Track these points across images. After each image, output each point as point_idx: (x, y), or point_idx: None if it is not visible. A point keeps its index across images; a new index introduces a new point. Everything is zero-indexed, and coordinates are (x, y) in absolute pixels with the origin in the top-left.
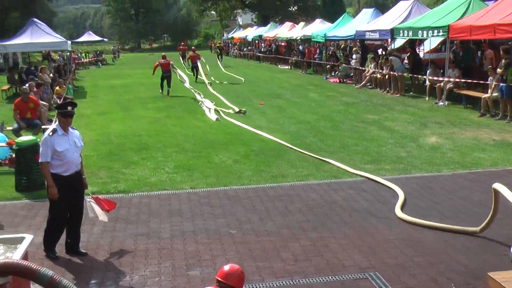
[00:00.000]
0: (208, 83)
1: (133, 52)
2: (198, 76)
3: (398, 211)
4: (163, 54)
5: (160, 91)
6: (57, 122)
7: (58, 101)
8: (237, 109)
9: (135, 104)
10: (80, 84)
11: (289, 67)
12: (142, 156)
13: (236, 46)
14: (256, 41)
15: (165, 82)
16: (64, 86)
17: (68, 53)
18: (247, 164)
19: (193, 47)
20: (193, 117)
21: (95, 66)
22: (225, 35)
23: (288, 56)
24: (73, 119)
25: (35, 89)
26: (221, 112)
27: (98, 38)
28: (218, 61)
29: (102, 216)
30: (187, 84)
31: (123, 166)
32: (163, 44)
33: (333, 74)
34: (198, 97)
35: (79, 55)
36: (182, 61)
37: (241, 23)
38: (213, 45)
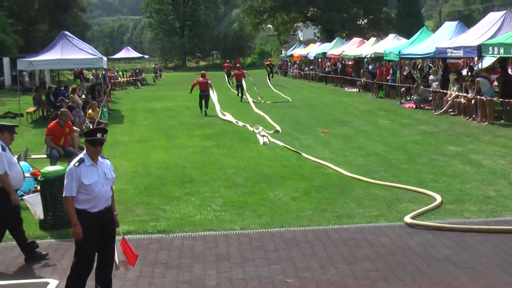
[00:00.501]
0: (254, 101)
1: (177, 71)
2: (243, 96)
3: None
4: (202, 72)
5: (200, 111)
6: (85, 151)
7: (91, 126)
8: (278, 128)
9: (178, 131)
10: (116, 107)
11: (357, 90)
12: (186, 191)
13: (295, 65)
14: (319, 60)
15: (203, 102)
16: (98, 109)
17: (103, 71)
18: (307, 202)
19: (238, 65)
20: (246, 147)
21: (133, 86)
22: (283, 52)
23: (356, 77)
24: (107, 147)
25: None
26: (276, 141)
27: (137, 54)
28: (268, 80)
29: (121, 264)
30: (216, 107)
31: (164, 202)
32: (212, 62)
33: (408, 99)
34: (230, 118)
35: (116, 73)
36: (227, 80)
37: (302, 38)
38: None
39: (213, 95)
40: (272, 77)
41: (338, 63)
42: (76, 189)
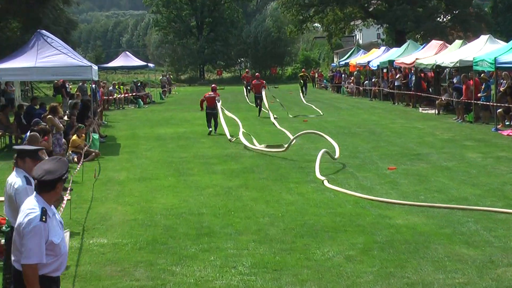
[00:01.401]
0: (274, 117)
1: (193, 85)
2: (262, 109)
3: None
4: (213, 85)
5: (208, 128)
6: (35, 194)
7: (75, 159)
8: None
9: (194, 166)
10: (109, 133)
11: (436, 111)
12: (203, 247)
13: (352, 78)
14: (385, 70)
15: (212, 121)
16: (84, 135)
17: (93, 85)
18: (366, 264)
19: (257, 74)
20: (284, 186)
21: (134, 105)
22: (335, 60)
23: (435, 94)
24: (97, 187)
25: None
26: (326, 182)
27: (139, 62)
28: (301, 95)
29: None
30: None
31: (173, 262)
32: (238, 72)
33: (507, 123)
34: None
35: (111, 88)
36: (245, 93)
37: (361, 41)
38: (312, 74)
39: (220, 114)
40: (306, 91)
41: (410, 75)
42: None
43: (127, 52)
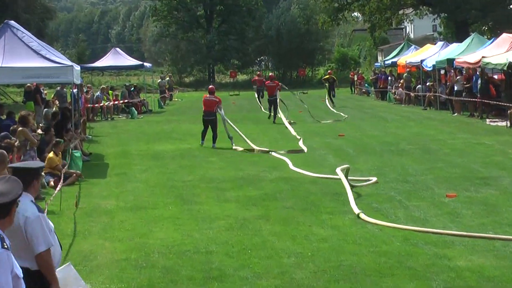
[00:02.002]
0: (289, 122)
1: (200, 89)
2: (276, 115)
3: None
4: (210, 86)
5: (201, 142)
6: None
7: (52, 182)
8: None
9: (200, 191)
10: (96, 150)
11: (508, 123)
12: None
13: (400, 81)
14: (442, 72)
15: (208, 130)
16: (60, 153)
17: (74, 90)
18: None
19: (271, 74)
20: (314, 218)
21: (125, 115)
22: (379, 59)
23: (507, 101)
24: (79, 217)
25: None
26: (362, 214)
27: (132, 61)
28: (327, 101)
29: None
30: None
31: None
32: (259, 73)
33: None
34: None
35: (98, 94)
36: (257, 99)
37: (412, 35)
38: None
39: (223, 123)
40: (334, 95)
41: (475, 78)
42: None
43: (118, 49)
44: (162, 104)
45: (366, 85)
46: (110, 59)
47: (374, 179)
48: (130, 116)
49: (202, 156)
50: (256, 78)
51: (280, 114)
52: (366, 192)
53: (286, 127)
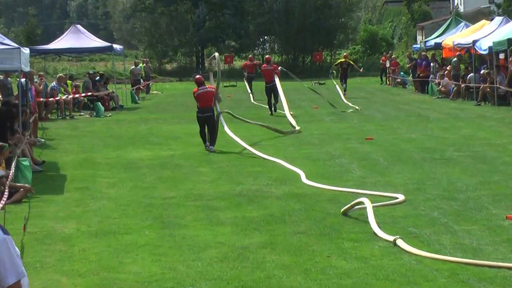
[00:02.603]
0: (292, 114)
1: (186, 79)
2: (276, 104)
3: None
4: (196, 76)
5: (205, 145)
6: None
7: None
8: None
9: (186, 212)
10: (50, 158)
11: None
12: None
13: (447, 68)
14: (501, 56)
15: (206, 129)
16: (3, 161)
17: (22, 79)
18: None
19: (267, 56)
20: (334, 246)
21: (89, 112)
22: (419, 39)
23: None
24: (29, 244)
25: None
26: (400, 241)
27: (98, 42)
28: (339, 89)
29: None
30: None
31: None
32: (260, 59)
33: None
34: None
35: (53, 85)
36: (248, 87)
37: (461, 9)
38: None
39: (222, 119)
40: (346, 83)
41: None
42: None
43: (79, 26)
44: (137, 98)
45: (401, 73)
46: (69, 40)
47: (401, 197)
48: (95, 114)
49: (189, 165)
50: (248, 63)
51: (284, 103)
52: (401, 213)
53: (288, 120)
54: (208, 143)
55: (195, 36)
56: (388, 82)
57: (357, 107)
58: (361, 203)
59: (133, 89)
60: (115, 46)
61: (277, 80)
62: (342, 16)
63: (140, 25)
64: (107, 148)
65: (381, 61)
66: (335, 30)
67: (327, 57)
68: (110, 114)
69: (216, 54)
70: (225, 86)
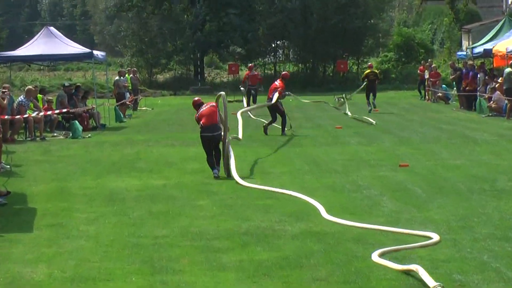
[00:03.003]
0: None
1: (182, 93)
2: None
3: None
4: (195, 99)
5: (213, 170)
6: None
7: None
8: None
9: (181, 253)
10: (16, 187)
11: None
12: None
13: (498, 80)
14: None
15: (213, 153)
16: None
17: None
18: None
19: (250, 64)
20: None
21: (64, 133)
22: (464, 45)
23: None
24: None
25: None
26: None
27: (76, 48)
28: (368, 102)
29: None
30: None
31: None
32: (272, 68)
33: None
34: None
35: (21, 99)
36: (244, 100)
37: None
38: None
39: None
40: (374, 99)
41: None
42: None
43: (52, 29)
44: (122, 115)
45: (443, 86)
46: (40, 45)
47: (435, 237)
48: (71, 135)
49: (185, 197)
50: (248, 73)
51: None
52: (443, 256)
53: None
54: (216, 170)
55: (193, 40)
56: (427, 97)
57: (372, 121)
58: (411, 270)
59: (117, 105)
60: (95, 52)
61: (275, 98)
62: (371, 16)
63: (126, 27)
64: (85, 176)
65: (418, 71)
66: (363, 34)
67: (353, 66)
68: (89, 135)
69: (222, 93)
70: (229, 102)
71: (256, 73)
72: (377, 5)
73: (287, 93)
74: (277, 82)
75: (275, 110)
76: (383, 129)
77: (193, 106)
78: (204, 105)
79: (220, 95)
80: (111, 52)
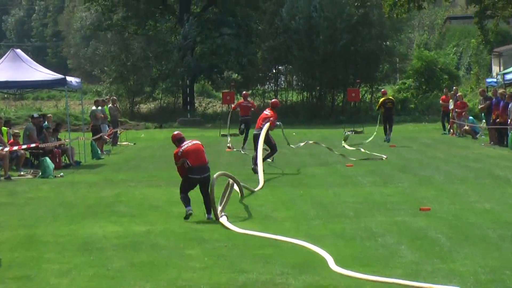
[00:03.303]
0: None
1: (169, 125)
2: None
3: None
4: (174, 133)
5: (187, 210)
6: None
7: None
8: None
9: None
10: None
11: None
12: None
13: None
14: None
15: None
16: None
17: None
18: None
19: (244, 92)
20: None
21: (32, 171)
22: (494, 70)
23: None
24: None
25: None
26: None
27: (46, 74)
28: (386, 132)
29: None
30: None
31: None
32: (273, 95)
33: None
34: None
35: None
36: (240, 133)
37: None
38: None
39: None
40: (390, 131)
41: None
42: None
43: (19, 51)
44: (100, 151)
45: (470, 118)
46: (6, 70)
47: None
48: (40, 174)
49: (172, 245)
50: (241, 102)
51: (259, 156)
52: None
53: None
54: (189, 208)
55: (182, 65)
56: (451, 131)
57: (383, 156)
58: None
59: (94, 139)
60: (69, 79)
61: (264, 128)
62: (387, 38)
63: (105, 50)
64: (57, 222)
65: (440, 101)
66: (378, 58)
67: (366, 94)
68: (61, 174)
69: (230, 180)
70: (223, 136)
71: (250, 103)
72: (394, 24)
73: (278, 123)
74: (267, 112)
75: (268, 142)
76: (401, 167)
77: (172, 141)
78: (187, 142)
79: (230, 183)
80: (87, 79)
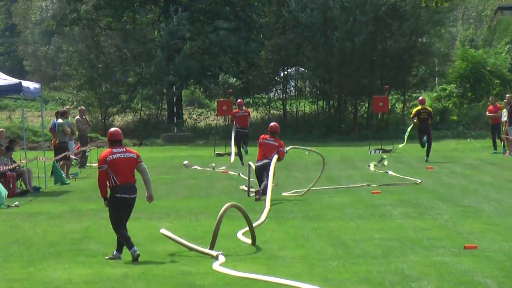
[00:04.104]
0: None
1: (151, 141)
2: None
3: None
4: (112, 129)
5: (130, 251)
6: None
7: None
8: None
9: None
10: None
11: None
12: None
13: None
14: None
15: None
16: None
17: None
18: None
19: (239, 100)
20: None
21: None
22: None
23: None
24: None
25: None
26: None
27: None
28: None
29: None
30: None
31: None
32: (240, 101)
33: None
34: None
35: None
36: (234, 148)
37: None
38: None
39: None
40: (430, 148)
41: None
42: None
43: None
44: (64, 175)
45: None
46: None
47: None
48: None
49: None
50: (236, 112)
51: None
52: None
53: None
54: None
55: (167, 67)
56: (506, 148)
57: (417, 180)
58: None
59: (57, 160)
60: (26, 84)
61: (273, 160)
62: (423, 33)
63: (70, 50)
64: (10, 263)
65: (487, 112)
66: (411, 58)
67: (397, 103)
68: (16, 202)
69: (237, 204)
70: (219, 155)
71: (247, 112)
72: (432, 16)
73: (286, 150)
74: (272, 141)
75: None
76: (440, 196)
77: (108, 138)
78: (121, 150)
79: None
80: (48, 84)
